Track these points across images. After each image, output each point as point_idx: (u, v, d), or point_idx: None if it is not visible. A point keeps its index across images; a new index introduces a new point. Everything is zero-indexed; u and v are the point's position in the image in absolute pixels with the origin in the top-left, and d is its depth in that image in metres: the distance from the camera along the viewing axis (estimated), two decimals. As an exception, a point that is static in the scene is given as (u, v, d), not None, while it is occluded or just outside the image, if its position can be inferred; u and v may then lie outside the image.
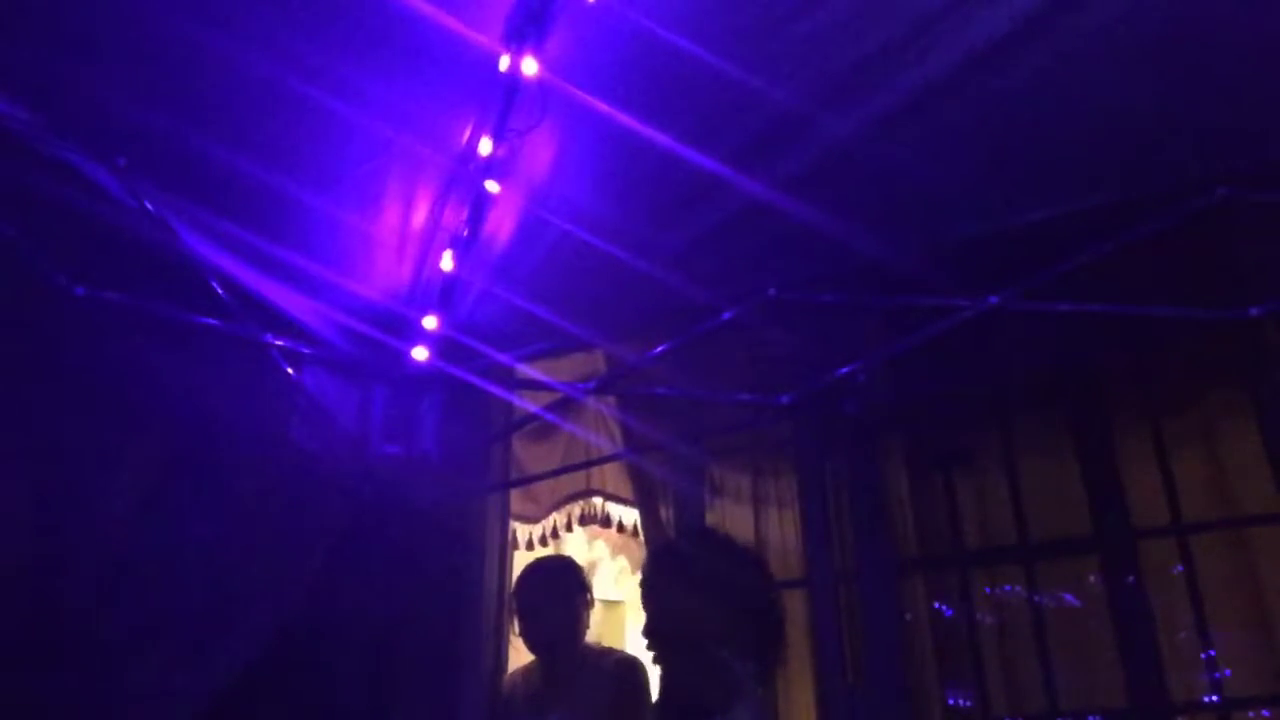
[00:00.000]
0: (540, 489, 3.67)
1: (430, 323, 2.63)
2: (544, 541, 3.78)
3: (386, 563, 2.78)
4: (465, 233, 2.39)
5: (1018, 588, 3.17)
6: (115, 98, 1.98)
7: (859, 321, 2.97)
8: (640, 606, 1.98)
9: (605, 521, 3.77)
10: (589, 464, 3.58)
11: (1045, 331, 2.81)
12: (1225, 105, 2.21)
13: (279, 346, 2.65)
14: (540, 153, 2.26)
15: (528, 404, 3.17)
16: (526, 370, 3.01)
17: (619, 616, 4.95)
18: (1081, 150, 2.33)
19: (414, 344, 2.70)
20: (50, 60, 1.92)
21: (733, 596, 1.89)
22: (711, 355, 2.99)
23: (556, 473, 3.53)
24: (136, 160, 2.10)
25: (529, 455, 3.56)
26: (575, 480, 3.69)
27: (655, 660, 1.92)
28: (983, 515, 3.26)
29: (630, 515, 3.75)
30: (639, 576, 2.04)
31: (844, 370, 2.84)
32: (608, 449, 3.54)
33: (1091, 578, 3.08)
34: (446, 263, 2.47)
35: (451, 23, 1.90)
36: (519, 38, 1.92)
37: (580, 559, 3.86)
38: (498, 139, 2.14)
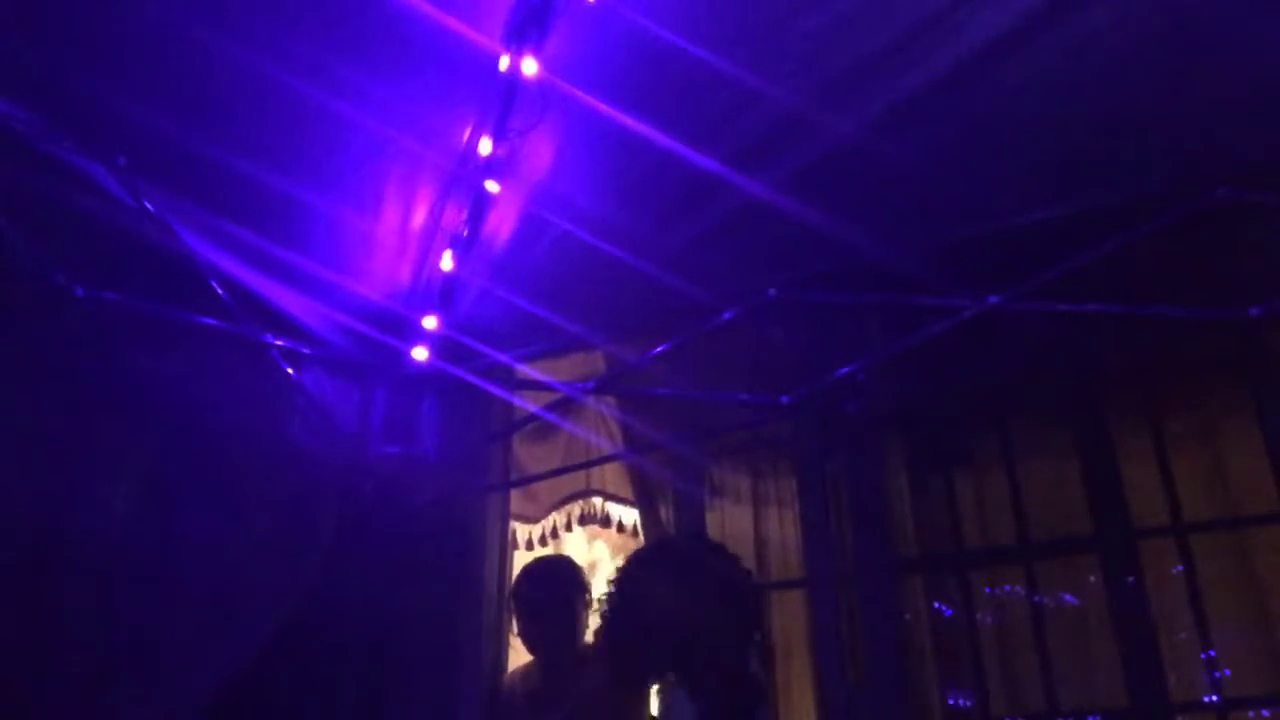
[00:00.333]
0: (540, 489, 3.67)
1: (430, 323, 2.63)
2: (544, 541, 3.78)
3: (386, 563, 2.78)
4: (465, 233, 2.39)
5: (1018, 588, 3.16)
6: (115, 98, 1.98)
7: (859, 321, 2.97)
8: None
9: (605, 521, 3.77)
10: (589, 464, 3.58)
11: (1045, 331, 2.81)
12: (1225, 105, 2.21)
13: (279, 346, 2.65)
14: (540, 153, 2.26)
15: (528, 404, 3.17)
16: (526, 370, 3.01)
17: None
18: (1081, 150, 2.33)
19: (414, 344, 2.70)
20: (50, 60, 1.92)
21: (712, 586, 2.01)
22: (711, 355, 2.99)
23: (556, 473, 3.53)
24: (136, 160, 2.10)
25: (529, 455, 3.56)
26: (575, 480, 3.69)
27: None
28: (983, 515, 3.26)
29: (630, 515, 3.75)
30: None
31: (844, 370, 2.84)
32: (608, 449, 3.54)
33: (1091, 578, 3.07)
34: (446, 263, 2.47)
35: (451, 23, 1.90)
36: (519, 38, 1.92)
37: (580, 559, 3.85)
38: (498, 139, 2.14)
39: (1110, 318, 2.59)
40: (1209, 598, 2.90)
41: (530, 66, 1.94)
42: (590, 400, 3.37)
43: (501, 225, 2.49)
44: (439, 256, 2.48)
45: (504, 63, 1.95)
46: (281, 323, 2.67)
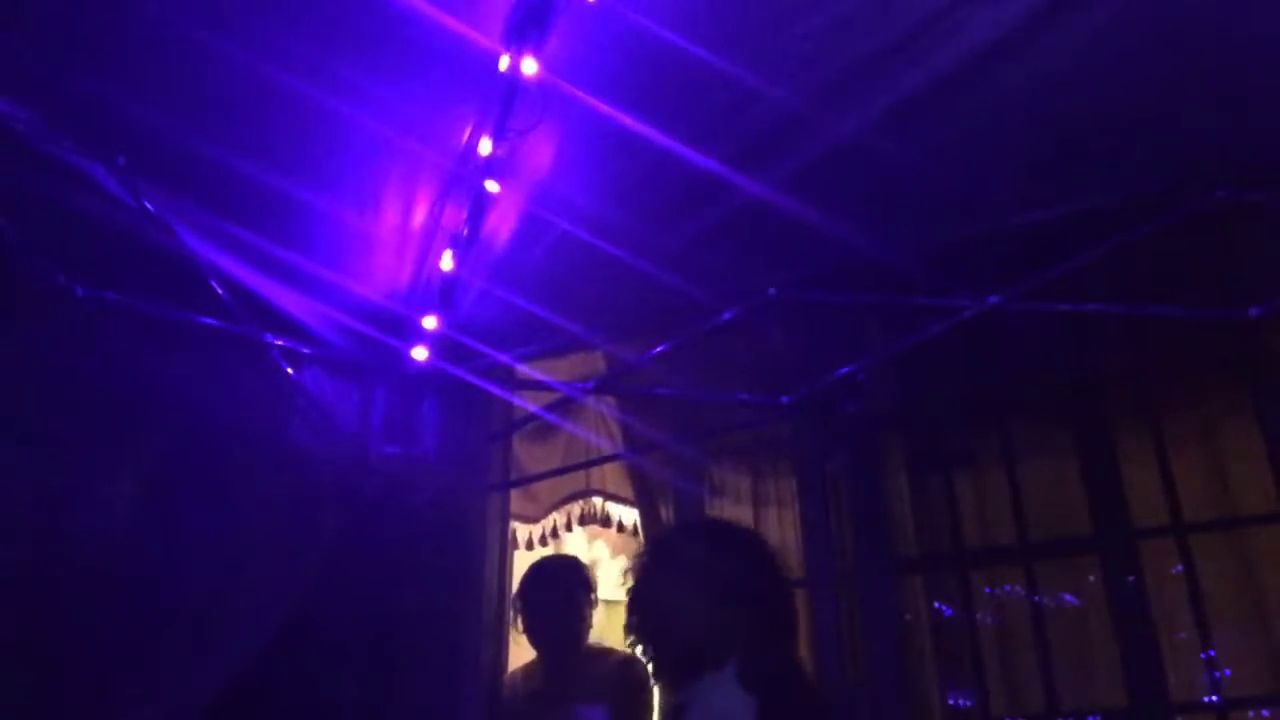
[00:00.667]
0: (540, 489, 3.67)
1: (430, 323, 2.63)
2: (544, 541, 3.78)
3: (386, 562, 2.78)
4: (465, 233, 2.39)
5: (1018, 588, 3.16)
6: (115, 98, 1.98)
7: (859, 321, 2.97)
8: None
9: (605, 521, 3.77)
10: (589, 464, 3.58)
11: (1045, 331, 2.81)
12: (1225, 105, 2.21)
13: (279, 346, 2.65)
14: (540, 153, 2.26)
15: (528, 404, 3.17)
16: (526, 370, 3.01)
17: (619, 616, 4.94)
18: (1082, 150, 2.33)
19: (414, 344, 2.70)
20: (50, 60, 1.92)
21: (715, 585, 1.97)
22: (711, 355, 3.00)
23: (556, 473, 3.53)
24: (136, 160, 2.10)
25: (529, 455, 3.56)
26: (575, 480, 3.69)
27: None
28: (983, 515, 3.26)
29: (630, 515, 3.75)
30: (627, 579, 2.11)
31: (844, 370, 2.84)
32: (608, 449, 3.54)
33: (1091, 578, 3.07)
34: (446, 263, 2.47)
35: (451, 23, 1.90)
36: (519, 38, 1.92)
37: (580, 559, 3.85)
38: (498, 139, 2.14)
39: (1110, 318, 2.59)
40: (1209, 598, 2.90)
41: (530, 66, 1.94)
42: (590, 400, 3.37)
43: (501, 225, 2.49)
44: (439, 256, 2.48)
45: (504, 63, 1.95)
46: (281, 323, 2.67)
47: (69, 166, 2.11)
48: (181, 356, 2.46)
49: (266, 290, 2.55)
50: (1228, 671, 2.87)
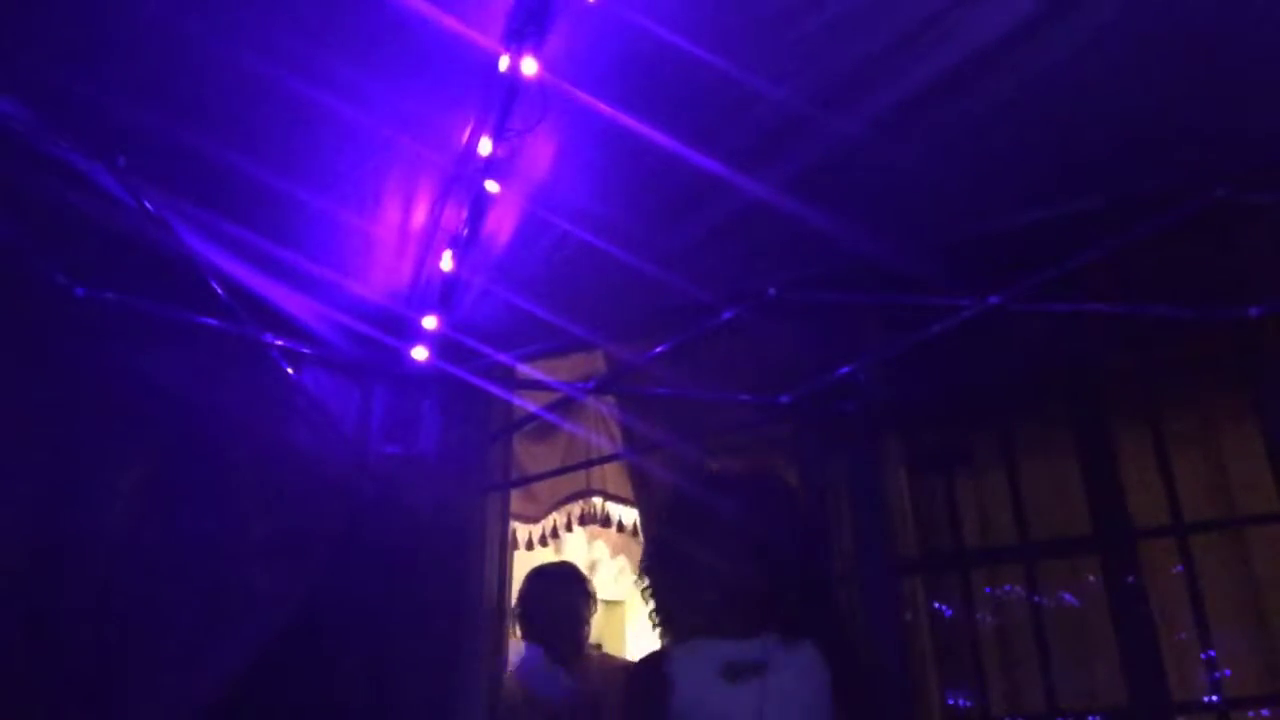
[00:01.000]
0: (540, 489, 3.67)
1: (430, 323, 2.63)
2: (544, 541, 3.78)
3: (386, 563, 2.78)
4: (465, 233, 2.39)
5: (1018, 588, 3.16)
6: (115, 98, 1.97)
7: (859, 321, 2.97)
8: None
9: (605, 521, 3.78)
10: (589, 464, 3.58)
11: (1045, 331, 2.81)
12: (1225, 105, 2.21)
13: (279, 346, 2.65)
14: (540, 153, 2.26)
15: (528, 404, 3.17)
16: (526, 370, 3.01)
17: (619, 617, 4.95)
18: (1082, 150, 2.33)
19: (414, 344, 2.70)
20: (50, 60, 1.92)
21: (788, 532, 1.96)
22: (711, 355, 2.99)
23: (556, 473, 3.53)
24: (136, 160, 2.10)
25: (529, 455, 3.56)
26: (575, 480, 3.69)
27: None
28: (983, 515, 3.26)
29: (630, 515, 3.76)
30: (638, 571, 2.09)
31: (844, 370, 2.84)
32: (608, 449, 3.54)
33: (1091, 578, 3.08)
34: (446, 263, 2.47)
35: (451, 23, 1.90)
36: (519, 38, 1.91)
37: (580, 559, 3.86)
38: (498, 139, 2.14)
39: (1110, 318, 2.59)
40: (1209, 598, 2.90)
41: (530, 66, 1.94)
42: (590, 400, 3.37)
43: (501, 225, 2.49)
44: (439, 256, 2.48)
45: (504, 63, 1.95)
46: (281, 323, 2.66)
47: (69, 166, 2.11)
48: (181, 356, 2.46)
49: (266, 290, 2.55)
50: (1228, 671, 2.87)
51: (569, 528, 3.78)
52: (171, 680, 2.33)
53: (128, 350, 2.38)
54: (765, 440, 3.45)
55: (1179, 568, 2.95)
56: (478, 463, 3.08)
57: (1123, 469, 3.08)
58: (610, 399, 3.47)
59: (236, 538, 2.51)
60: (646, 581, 2.06)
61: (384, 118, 2.13)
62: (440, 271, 2.49)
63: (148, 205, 2.19)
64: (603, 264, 2.52)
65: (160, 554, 2.38)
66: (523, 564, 3.73)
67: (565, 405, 3.33)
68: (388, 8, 1.87)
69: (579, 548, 4.32)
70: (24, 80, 1.95)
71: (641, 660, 2.06)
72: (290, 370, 2.71)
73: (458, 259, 2.46)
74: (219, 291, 2.39)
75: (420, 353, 2.71)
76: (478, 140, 2.17)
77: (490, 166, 2.20)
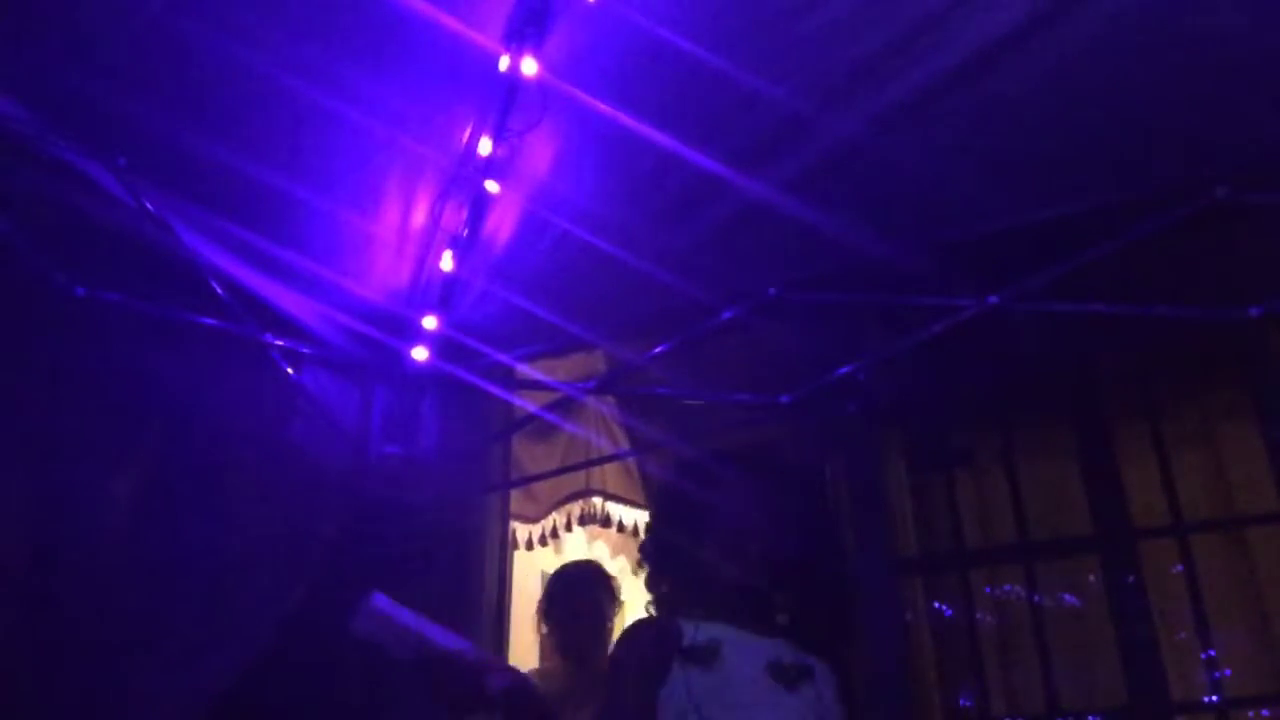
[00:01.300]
0: (540, 489, 3.67)
1: (430, 323, 2.63)
2: (544, 541, 3.77)
3: (386, 563, 2.78)
4: (465, 233, 2.39)
5: (1018, 588, 3.16)
6: (115, 98, 1.97)
7: (859, 321, 2.97)
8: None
9: (605, 521, 3.77)
10: (589, 464, 3.58)
11: (1045, 331, 2.81)
12: (1225, 106, 2.21)
13: (279, 346, 2.65)
14: (540, 153, 2.26)
15: (528, 404, 3.17)
16: (526, 370, 3.01)
17: (620, 616, 4.94)
18: (1081, 150, 2.33)
19: (414, 344, 2.70)
20: (50, 60, 1.92)
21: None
22: (712, 355, 2.99)
23: (556, 473, 3.52)
24: (136, 160, 2.10)
25: (529, 455, 3.56)
26: (575, 480, 3.69)
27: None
28: (983, 515, 3.26)
29: (630, 515, 3.75)
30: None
31: (844, 370, 2.84)
32: (608, 449, 3.54)
33: (1091, 577, 3.08)
34: (446, 263, 2.47)
35: (451, 23, 1.90)
36: (519, 38, 1.92)
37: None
38: (498, 139, 2.14)
39: (1110, 318, 2.59)
40: (1209, 597, 2.90)
41: (530, 66, 1.94)
42: (590, 400, 3.37)
43: (501, 225, 2.49)
44: (439, 256, 2.48)
45: (504, 63, 1.95)
46: (281, 323, 2.66)
47: (69, 166, 2.11)
48: (181, 356, 2.46)
49: (266, 290, 2.55)
50: (1228, 671, 2.87)
51: (569, 528, 3.78)
52: (172, 679, 2.33)
53: (128, 350, 2.38)
54: (765, 440, 3.45)
55: (1179, 567, 2.95)
56: (478, 463, 3.08)
57: (1123, 469, 3.08)
58: (610, 399, 3.46)
59: (236, 538, 2.51)
60: (646, 569, 1.88)
61: (384, 118, 2.14)
62: (440, 271, 2.49)
63: (148, 205, 2.19)
64: (603, 264, 2.52)
65: (160, 554, 2.38)
66: (523, 564, 3.73)
67: (565, 405, 3.33)
68: (388, 8, 1.87)
69: (579, 548, 4.31)
70: (24, 80, 1.95)
71: (656, 620, 1.82)
72: (290, 370, 2.71)
73: (458, 259, 2.46)
74: (219, 291, 2.39)
75: (420, 353, 2.71)
76: (478, 140, 2.17)
77: (490, 166, 2.20)
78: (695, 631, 1.65)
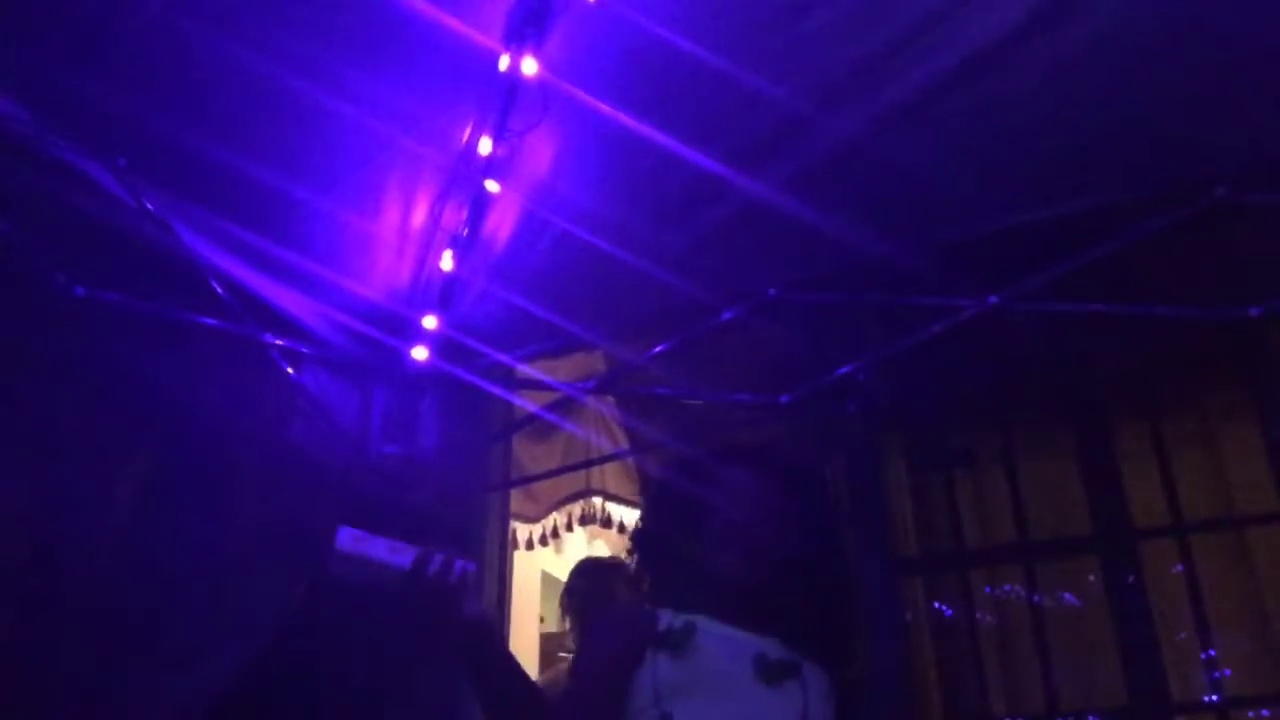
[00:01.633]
0: (540, 489, 3.67)
1: (430, 323, 2.62)
2: (544, 541, 3.78)
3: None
4: (465, 233, 2.39)
5: (1018, 588, 3.16)
6: (115, 98, 1.97)
7: (859, 321, 2.97)
8: None
9: (605, 521, 3.77)
10: (589, 464, 3.58)
11: (1045, 331, 2.81)
12: (1225, 105, 2.21)
13: (279, 346, 2.65)
14: (540, 153, 2.26)
15: (528, 404, 3.17)
16: (526, 370, 3.01)
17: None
18: (1082, 151, 2.33)
19: (414, 344, 2.70)
20: (50, 60, 1.92)
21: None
22: (712, 355, 2.99)
23: (556, 473, 3.53)
24: (136, 160, 2.10)
25: (529, 455, 3.56)
26: (575, 480, 3.69)
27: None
28: (983, 515, 3.27)
29: (630, 515, 3.75)
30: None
31: (844, 370, 2.84)
32: (608, 449, 3.54)
33: (1091, 577, 3.08)
34: (446, 263, 2.47)
35: (451, 23, 1.90)
36: (519, 38, 1.91)
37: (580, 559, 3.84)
38: (498, 139, 2.14)
39: (1110, 318, 2.59)
40: (1209, 597, 2.90)
41: (530, 66, 1.94)
42: (590, 400, 3.37)
43: (501, 225, 2.49)
44: (439, 256, 2.48)
45: (504, 63, 1.95)
46: (281, 323, 2.66)
47: (69, 166, 2.11)
48: (181, 356, 2.46)
49: (266, 290, 2.55)
50: (1228, 671, 2.87)
51: (569, 528, 3.78)
52: (172, 680, 2.33)
53: (128, 350, 2.38)
54: (765, 440, 3.45)
55: (1179, 567, 2.95)
56: (478, 463, 3.08)
57: (1123, 469, 3.08)
58: (610, 399, 3.46)
59: (236, 537, 2.51)
60: (636, 556, 1.79)
61: (384, 117, 2.13)
62: (440, 271, 2.49)
63: (148, 205, 2.19)
64: (603, 264, 2.52)
65: (160, 554, 2.38)
66: (523, 564, 3.73)
67: (565, 405, 3.33)
68: (388, 8, 1.87)
69: (579, 548, 4.32)
70: (24, 80, 1.95)
71: (634, 605, 1.73)
72: (290, 370, 2.71)
73: (458, 259, 2.46)
74: (219, 291, 2.39)
75: (420, 353, 2.71)
76: (478, 140, 2.17)
77: (490, 166, 2.20)
78: (673, 619, 1.58)
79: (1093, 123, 2.24)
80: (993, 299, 2.55)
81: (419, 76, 2.06)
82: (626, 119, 2.12)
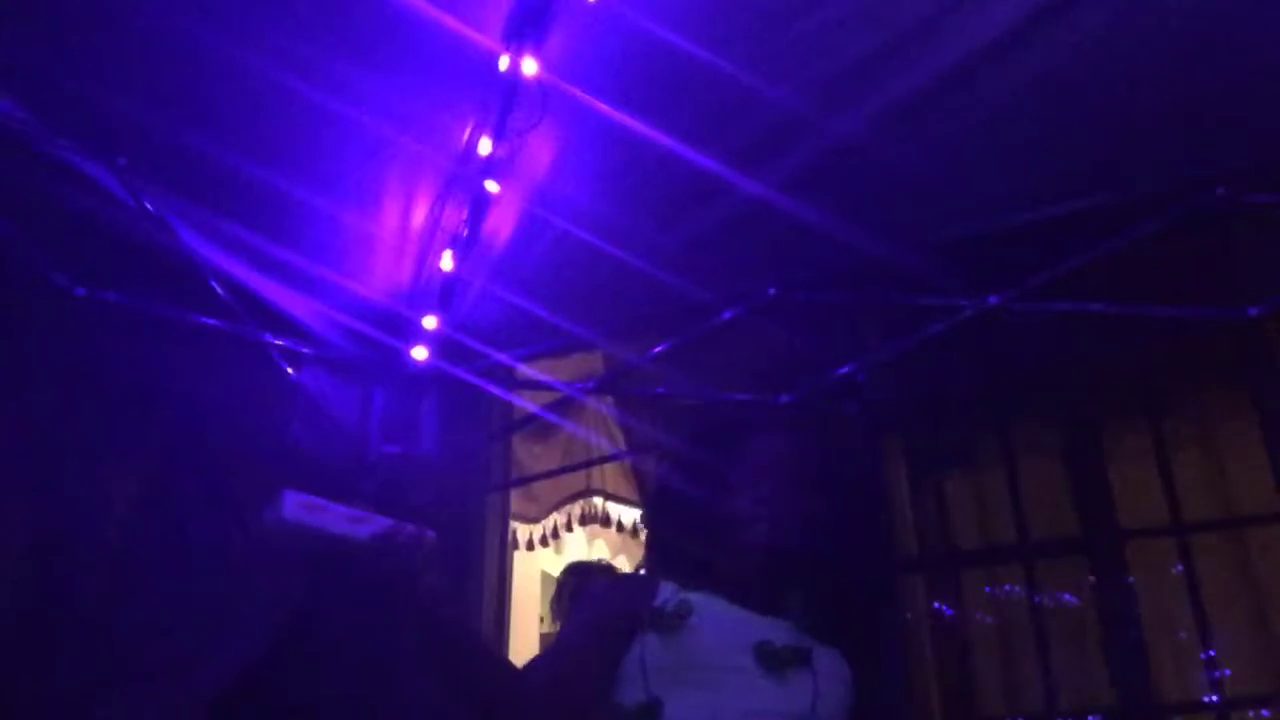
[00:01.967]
0: (540, 489, 3.67)
1: (430, 323, 2.63)
2: (544, 541, 3.78)
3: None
4: (465, 233, 2.39)
5: (1017, 588, 3.16)
6: (116, 98, 1.97)
7: (859, 321, 2.97)
8: None
9: (605, 521, 3.77)
10: (589, 464, 3.58)
11: (1044, 331, 2.81)
12: (1224, 105, 2.21)
13: (279, 346, 2.65)
14: (540, 153, 2.26)
15: (528, 404, 3.17)
16: (526, 370, 3.01)
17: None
18: (1081, 150, 2.33)
19: (414, 344, 2.70)
20: (50, 60, 1.92)
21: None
22: (711, 355, 2.99)
23: (556, 473, 3.53)
24: (136, 160, 2.10)
25: (529, 455, 3.56)
26: (575, 480, 3.69)
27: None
28: (982, 515, 3.26)
29: (630, 515, 3.76)
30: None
31: (844, 370, 2.84)
32: (608, 449, 3.54)
33: (1091, 578, 3.08)
34: (446, 263, 2.47)
35: (451, 23, 1.90)
36: (519, 38, 1.92)
37: (580, 559, 3.85)
38: (498, 139, 2.14)
39: (1110, 318, 2.59)
40: (1208, 598, 2.90)
41: (530, 66, 1.94)
42: (590, 400, 3.37)
43: (501, 225, 2.49)
44: (439, 256, 2.48)
45: (504, 63, 1.95)
46: (281, 323, 2.67)
47: (69, 166, 2.11)
48: (181, 356, 2.46)
49: (266, 290, 2.55)
50: (1227, 672, 2.87)
51: (569, 528, 3.78)
52: (173, 680, 2.33)
53: (127, 350, 2.38)
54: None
55: (1178, 567, 2.95)
56: (478, 463, 3.08)
57: (1122, 469, 3.08)
58: (610, 399, 3.46)
59: (236, 537, 2.51)
60: (649, 518, 1.71)
61: (384, 117, 2.14)
62: (440, 271, 2.49)
63: (148, 205, 2.19)
64: (603, 264, 2.52)
65: (160, 554, 2.38)
66: (523, 564, 3.73)
67: (565, 405, 3.33)
68: (387, 7, 1.87)
69: (579, 548, 4.32)
70: (24, 80, 1.95)
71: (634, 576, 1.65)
72: (290, 370, 2.71)
73: (458, 259, 2.46)
74: (219, 291, 2.39)
75: (420, 353, 2.71)
76: (478, 140, 2.17)
77: (490, 166, 2.21)
78: (671, 595, 1.46)
79: (1092, 123, 2.24)
80: (993, 299, 2.55)
81: (419, 76, 2.06)
82: (626, 119, 2.12)
